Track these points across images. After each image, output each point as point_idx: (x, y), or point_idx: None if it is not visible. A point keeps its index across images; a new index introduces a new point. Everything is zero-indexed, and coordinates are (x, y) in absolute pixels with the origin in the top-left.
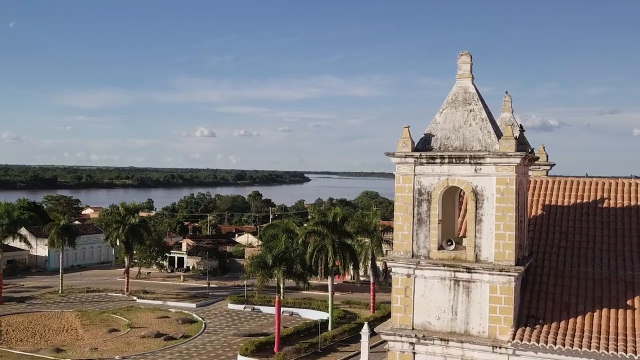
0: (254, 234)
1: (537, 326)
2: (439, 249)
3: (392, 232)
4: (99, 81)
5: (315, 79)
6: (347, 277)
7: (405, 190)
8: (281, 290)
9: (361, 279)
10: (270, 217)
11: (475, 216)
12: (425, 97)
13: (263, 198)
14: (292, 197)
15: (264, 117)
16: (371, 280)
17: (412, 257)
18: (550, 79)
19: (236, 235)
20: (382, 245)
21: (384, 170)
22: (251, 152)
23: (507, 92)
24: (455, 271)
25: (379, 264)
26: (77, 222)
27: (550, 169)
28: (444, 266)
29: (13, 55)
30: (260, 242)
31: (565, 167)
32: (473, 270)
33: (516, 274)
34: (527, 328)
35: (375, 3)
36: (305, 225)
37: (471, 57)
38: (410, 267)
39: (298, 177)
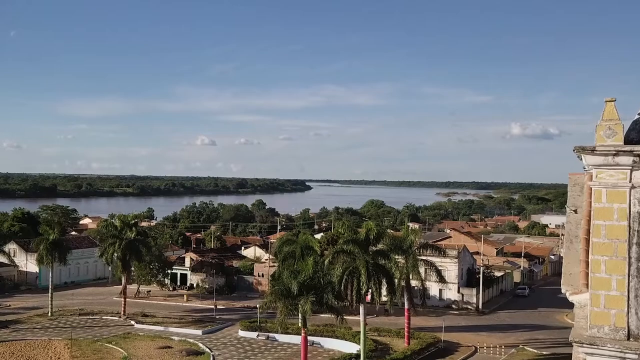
0: (261, 246)
1: None
2: None
3: (428, 249)
4: (101, 90)
5: (316, 87)
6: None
7: (611, 216)
8: (307, 322)
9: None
10: (278, 228)
11: None
12: (427, 106)
13: (267, 207)
14: (295, 205)
15: (265, 126)
16: (406, 306)
17: (629, 339)
18: (552, 87)
19: (242, 247)
20: (419, 265)
21: (385, 178)
22: (252, 160)
23: None
24: None
25: (414, 282)
26: (73, 233)
27: None
28: None
29: (14, 63)
30: (270, 257)
31: (565, 175)
32: None
33: None
34: None
35: (377, 12)
36: (318, 237)
37: None
38: (625, 358)
39: (299, 185)
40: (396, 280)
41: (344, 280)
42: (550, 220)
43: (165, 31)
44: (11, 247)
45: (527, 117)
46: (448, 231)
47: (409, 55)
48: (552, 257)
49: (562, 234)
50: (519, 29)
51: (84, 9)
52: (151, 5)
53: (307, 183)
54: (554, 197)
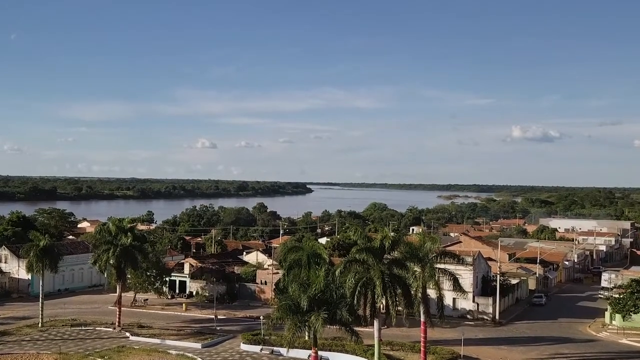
0: (263, 251)
1: None
2: None
3: (447, 257)
4: (101, 93)
5: (317, 90)
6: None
7: None
8: (317, 341)
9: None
10: (281, 232)
11: None
12: (427, 109)
13: (268, 210)
14: (297, 208)
15: (265, 128)
16: (422, 318)
17: None
18: (553, 90)
19: (244, 252)
20: (436, 274)
21: (386, 181)
22: (253, 163)
23: None
24: None
25: (431, 292)
26: (71, 237)
27: None
28: None
29: (14, 67)
30: (274, 263)
31: (566, 178)
32: None
33: None
34: None
35: (378, 14)
36: (323, 241)
37: None
38: None
39: (300, 188)
40: (413, 291)
41: (357, 292)
42: (559, 224)
43: (165, 34)
44: (2, 252)
45: (528, 120)
46: (453, 235)
47: (409, 58)
48: (567, 262)
49: (575, 239)
50: (520, 30)
51: (83, 11)
52: (151, 9)
53: (308, 186)
54: (557, 200)
